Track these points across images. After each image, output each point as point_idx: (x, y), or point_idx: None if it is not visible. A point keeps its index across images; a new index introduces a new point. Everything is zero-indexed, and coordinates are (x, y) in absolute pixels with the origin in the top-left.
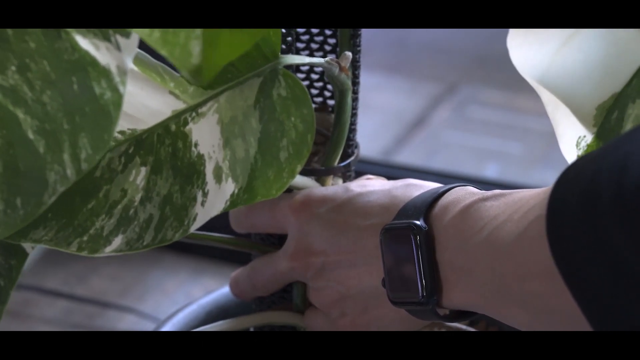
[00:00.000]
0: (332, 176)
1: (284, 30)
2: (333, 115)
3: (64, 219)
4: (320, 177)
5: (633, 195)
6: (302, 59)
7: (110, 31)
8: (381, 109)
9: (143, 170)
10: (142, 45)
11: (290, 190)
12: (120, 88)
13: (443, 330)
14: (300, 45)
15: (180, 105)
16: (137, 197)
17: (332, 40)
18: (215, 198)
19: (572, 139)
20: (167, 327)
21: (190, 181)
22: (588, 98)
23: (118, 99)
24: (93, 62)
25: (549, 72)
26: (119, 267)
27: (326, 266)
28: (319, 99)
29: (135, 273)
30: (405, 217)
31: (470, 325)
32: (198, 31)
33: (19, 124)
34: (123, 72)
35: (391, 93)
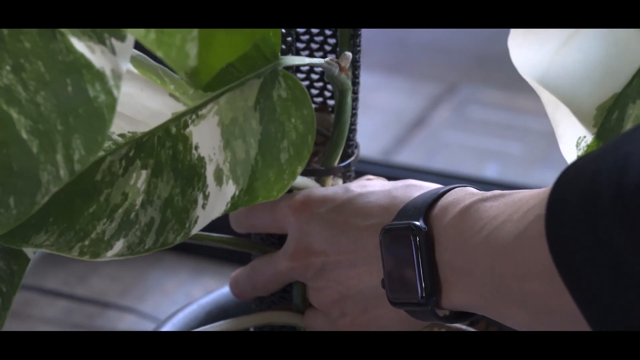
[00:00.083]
0: (332, 176)
1: (283, 31)
2: (333, 116)
3: (65, 224)
4: (320, 177)
5: (633, 195)
6: (302, 60)
7: (106, 34)
8: (381, 109)
9: (144, 174)
10: (142, 47)
11: (290, 190)
12: (114, 91)
13: (443, 330)
14: (300, 45)
15: (180, 108)
16: (138, 201)
17: (332, 41)
18: (216, 200)
19: (572, 139)
20: (167, 327)
21: (191, 184)
22: (588, 98)
23: (112, 102)
24: (88, 64)
25: (549, 72)
26: (119, 267)
27: (326, 266)
28: (319, 99)
29: (135, 273)
30: (405, 218)
31: (470, 325)
32: (194, 33)
33: (13, 124)
34: (117, 75)
35: (391, 93)
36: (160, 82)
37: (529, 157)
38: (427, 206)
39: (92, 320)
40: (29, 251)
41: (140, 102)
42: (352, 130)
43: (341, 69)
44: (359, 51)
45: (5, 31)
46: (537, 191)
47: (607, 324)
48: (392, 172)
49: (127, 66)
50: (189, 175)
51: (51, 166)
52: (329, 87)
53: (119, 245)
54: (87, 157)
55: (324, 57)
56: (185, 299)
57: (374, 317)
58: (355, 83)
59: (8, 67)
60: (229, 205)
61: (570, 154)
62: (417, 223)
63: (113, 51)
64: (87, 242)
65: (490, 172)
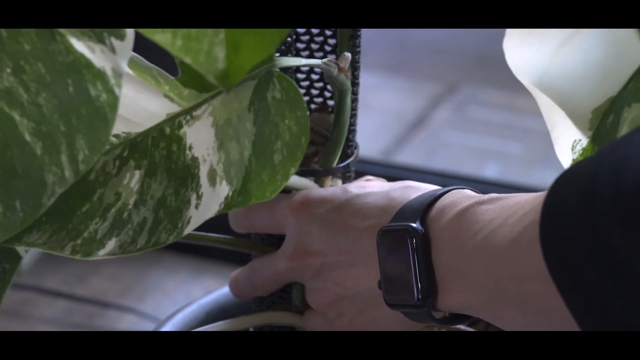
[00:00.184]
0: (331, 177)
1: (289, 31)
2: (333, 116)
3: (57, 223)
4: (319, 177)
5: (633, 195)
6: (298, 61)
7: (105, 33)
8: (381, 109)
9: (137, 174)
10: (137, 48)
11: (289, 191)
12: (116, 90)
13: (443, 330)
14: (300, 45)
15: (174, 108)
16: (131, 201)
17: (332, 41)
18: (210, 201)
19: (568, 142)
20: (167, 327)
21: (185, 184)
22: (584, 101)
23: (114, 101)
24: (88, 64)
25: (547, 73)
26: (119, 267)
27: (324, 267)
28: (319, 99)
29: (135, 273)
30: (402, 220)
31: (469, 326)
32: (221, 35)
33: (16, 126)
34: (118, 74)
35: (391, 93)
36: (155, 83)
37: (529, 157)
38: (424, 208)
39: (92, 320)
40: (21, 250)
41: (135, 103)
42: (352, 131)
43: (340, 69)
44: (359, 52)
45: (4, 33)
46: (533, 195)
47: (605, 325)
48: (392, 172)
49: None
50: (183, 175)
51: (56, 167)
52: (329, 87)
53: (111, 244)
54: (92, 157)
55: (324, 57)
56: (185, 299)
57: (371, 318)
58: (355, 84)
59: (8, 70)
60: (222, 205)
61: (566, 157)
62: (414, 225)
63: (113, 50)
64: (79, 241)
65: (490, 172)
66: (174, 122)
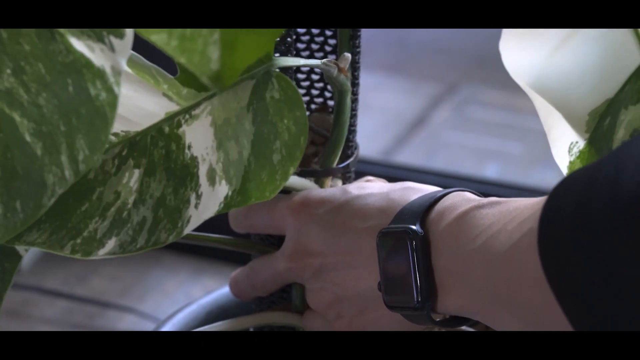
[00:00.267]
0: (331, 177)
1: (282, 31)
2: (333, 116)
3: (57, 222)
4: (319, 178)
5: (627, 205)
6: (297, 61)
7: (104, 32)
8: (381, 109)
9: (136, 173)
10: (136, 47)
11: (289, 191)
12: (115, 89)
13: (443, 330)
14: (301, 45)
15: (173, 107)
16: (131, 200)
17: (332, 41)
18: (209, 200)
19: (565, 144)
20: (167, 327)
21: (184, 183)
22: (580, 103)
23: (113, 100)
24: (88, 63)
25: (542, 75)
26: (119, 267)
27: (323, 267)
28: (320, 100)
29: (135, 273)
30: (402, 221)
31: (469, 326)
32: (216, 36)
33: (16, 127)
34: (117, 72)
35: (391, 93)
36: (153, 82)
37: (529, 157)
38: (423, 210)
39: (92, 320)
40: (20, 249)
41: (134, 102)
42: (352, 131)
43: (340, 70)
44: (359, 52)
45: (4, 34)
46: (532, 201)
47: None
48: (392, 172)
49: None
50: (182, 174)
51: (56, 168)
52: (330, 87)
53: (111, 243)
54: (92, 157)
55: (324, 57)
56: (185, 299)
57: (371, 319)
58: (355, 84)
59: (9, 70)
60: (221, 205)
61: (563, 159)
62: (414, 227)
63: (112, 49)
64: (79, 240)
65: (490, 172)
66: (172, 121)
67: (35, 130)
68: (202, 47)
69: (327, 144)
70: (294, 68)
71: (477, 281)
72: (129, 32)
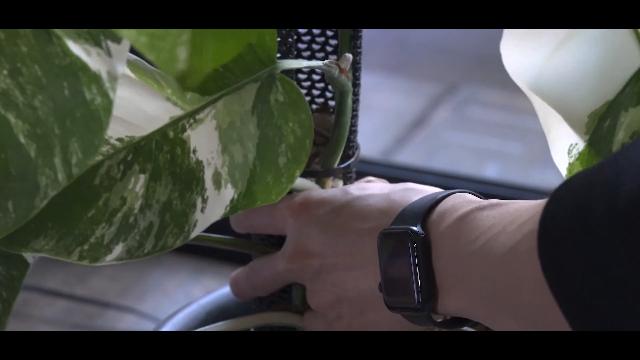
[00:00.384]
0: (332, 178)
1: (283, 32)
2: (334, 117)
3: (64, 228)
4: (320, 178)
5: (627, 209)
6: (300, 63)
7: (102, 36)
8: (381, 109)
9: (142, 178)
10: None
11: (290, 191)
12: (111, 94)
13: (443, 330)
14: (302, 46)
15: (177, 112)
16: (137, 205)
17: (333, 42)
18: (215, 204)
19: (564, 146)
20: (167, 327)
21: (190, 187)
22: (580, 105)
23: (108, 105)
24: (84, 67)
25: (541, 77)
26: (119, 267)
27: (323, 268)
28: (321, 100)
29: (135, 273)
30: (403, 223)
31: (470, 326)
32: (185, 36)
33: (11, 128)
34: (113, 78)
35: (391, 93)
36: (157, 87)
37: (529, 157)
38: (424, 211)
39: (92, 320)
40: (28, 256)
41: (138, 107)
42: (353, 132)
43: (341, 70)
44: (360, 52)
45: (2, 35)
46: (532, 204)
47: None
48: (392, 172)
49: (123, 69)
50: (188, 179)
51: (49, 170)
52: (331, 88)
53: (118, 249)
54: (85, 161)
55: (325, 58)
56: (185, 299)
57: (371, 320)
58: (356, 85)
59: (5, 72)
60: (227, 208)
61: (562, 160)
62: (415, 228)
63: (109, 53)
64: (86, 247)
65: (490, 172)
66: (177, 125)
67: (29, 132)
68: (171, 46)
69: (328, 144)
70: (294, 69)
71: (477, 282)
72: (121, 33)
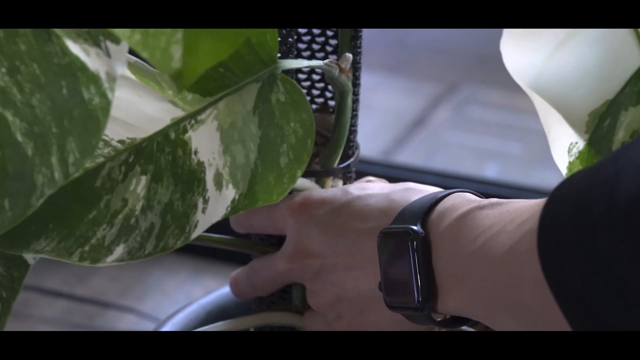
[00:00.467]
0: (332, 178)
1: (284, 31)
2: (334, 116)
3: (65, 230)
4: (320, 178)
5: (626, 208)
6: (301, 63)
7: (101, 37)
8: (381, 109)
9: (143, 179)
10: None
11: (290, 191)
12: (109, 94)
13: (443, 330)
14: (302, 45)
15: (179, 113)
16: (138, 206)
17: (333, 42)
18: (216, 204)
19: (564, 145)
20: (167, 327)
21: (191, 188)
22: (580, 104)
23: (106, 105)
24: (83, 67)
25: (541, 76)
26: (119, 267)
27: (323, 268)
28: (321, 100)
29: (135, 273)
30: (403, 222)
31: (470, 326)
32: (179, 35)
33: (8, 126)
34: (112, 78)
35: (391, 93)
36: (158, 88)
37: (529, 157)
38: (424, 211)
39: (92, 320)
40: (29, 257)
41: (139, 108)
42: (353, 132)
43: (341, 70)
44: (360, 52)
45: (1, 34)
46: (532, 203)
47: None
48: (392, 172)
49: (123, 70)
50: (189, 180)
51: (46, 169)
52: (331, 88)
53: (119, 250)
54: (82, 160)
55: (325, 58)
56: (185, 299)
57: (371, 320)
58: (356, 84)
59: (4, 70)
60: (229, 209)
61: (562, 159)
62: (415, 228)
63: (108, 54)
64: (87, 248)
65: (490, 172)
66: (178, 126)
67: (27, 131)
68: (165, 44)
69: (328, 144)
70: (294, 69)
71: (476, 282)
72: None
